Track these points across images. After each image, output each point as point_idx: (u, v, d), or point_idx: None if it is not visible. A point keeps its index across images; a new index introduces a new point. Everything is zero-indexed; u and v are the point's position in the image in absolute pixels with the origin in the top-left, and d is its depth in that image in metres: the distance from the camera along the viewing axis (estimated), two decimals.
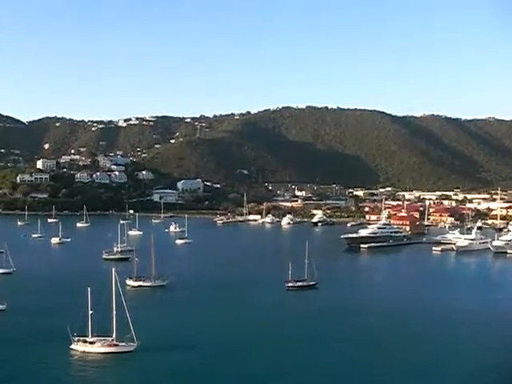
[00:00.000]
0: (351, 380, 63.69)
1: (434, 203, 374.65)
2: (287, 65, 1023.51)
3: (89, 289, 70.17)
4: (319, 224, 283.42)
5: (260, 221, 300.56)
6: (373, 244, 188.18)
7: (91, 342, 69.94)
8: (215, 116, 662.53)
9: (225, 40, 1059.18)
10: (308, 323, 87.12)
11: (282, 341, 76.89)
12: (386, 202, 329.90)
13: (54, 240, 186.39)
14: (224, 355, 70.14)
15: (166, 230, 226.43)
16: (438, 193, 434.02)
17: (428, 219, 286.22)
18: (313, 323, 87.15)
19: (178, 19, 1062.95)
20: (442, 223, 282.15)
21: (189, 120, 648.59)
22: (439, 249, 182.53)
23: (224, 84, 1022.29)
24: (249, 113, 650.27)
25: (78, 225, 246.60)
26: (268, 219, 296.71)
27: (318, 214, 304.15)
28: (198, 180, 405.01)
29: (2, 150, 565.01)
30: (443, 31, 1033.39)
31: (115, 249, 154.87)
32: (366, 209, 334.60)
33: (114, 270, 72.19)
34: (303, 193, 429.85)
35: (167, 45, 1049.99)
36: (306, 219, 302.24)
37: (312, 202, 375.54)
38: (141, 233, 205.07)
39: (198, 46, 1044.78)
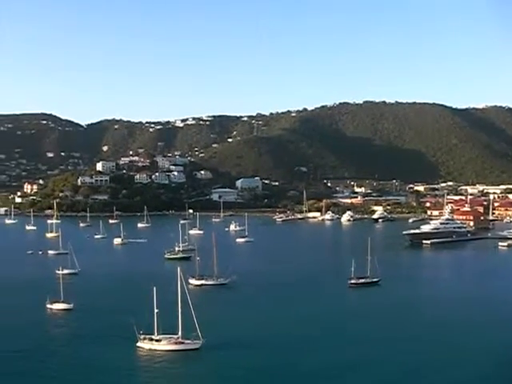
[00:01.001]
0: (421, 380, 62.24)
1: (499, 197, 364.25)
2: (343, 60, 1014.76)
3: (154, 288, 70.81)
4: (380, 220, 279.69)
5: (320, 218, 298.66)
6: (436, 240, 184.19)
7: (157, 340, 70.75)
8: (272, 114, 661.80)
9: (279, 37, 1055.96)
10: (372, 321, 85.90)
11: (346, 339, 76.01)
12: (448, 197, 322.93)
13: (117, 240, 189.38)
14: (287, 353, 69.77)
15: (226, 229, 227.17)
16: (503, 186, 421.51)
17: (493, 214, 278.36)
18: (377, 321, 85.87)
19: (235, 19, 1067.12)
20: (508, 218, 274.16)
21: (245, 118, 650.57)
22: (505, 244, 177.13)
23: (280, 81, 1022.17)
24: (305, 109, 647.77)
25: (139, 225, 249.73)
26: (328, 216, 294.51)
27: (379, 211, 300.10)
28: (257, 178, 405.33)
29: (62, 154, 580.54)
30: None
31: (177, 248, 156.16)
32: (428, 204, 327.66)
33: (179, 269, 72.65)
34: (362, 189, 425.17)
35: (222, 44, 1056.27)
36: (366, 216, 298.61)
37: (372, 198, 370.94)
38: (201, 232, 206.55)
39: (253, 44, 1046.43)
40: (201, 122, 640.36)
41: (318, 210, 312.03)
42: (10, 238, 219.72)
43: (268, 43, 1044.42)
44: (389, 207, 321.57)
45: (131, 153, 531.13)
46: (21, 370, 64.14)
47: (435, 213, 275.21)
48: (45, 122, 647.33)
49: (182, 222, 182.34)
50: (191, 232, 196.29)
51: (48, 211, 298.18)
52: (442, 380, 61.88)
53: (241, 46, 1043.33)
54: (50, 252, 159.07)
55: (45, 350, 71.49)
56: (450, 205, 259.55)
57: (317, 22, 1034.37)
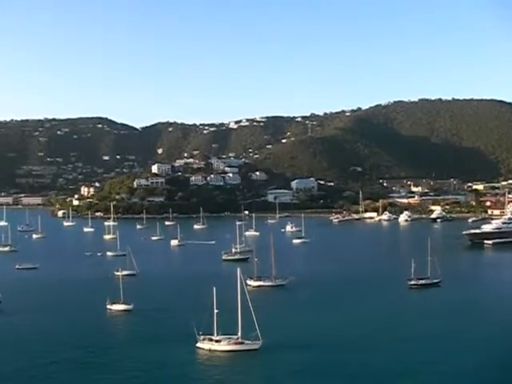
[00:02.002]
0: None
1: None
2: (397, 58, 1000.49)
3: (214, 288, 70.65)
4: (438, 220, 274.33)
5: (376, 218, 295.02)
6: (498, 240, 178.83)
7: (217, 340, 70.52)
8: (326, 114, 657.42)
9: (332, 37, 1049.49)
10: (434, 321, 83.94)
11: (408, 341, 74.35)
12: (510, 196, 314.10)
13: (173, 242, 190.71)
14: (347, 355, 68.68)
15: (282, 230, 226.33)
16: None
17: None
18: (439, 321, 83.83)
19: (290, 20, 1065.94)
20: None
21: (299, 119, 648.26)
22: None
23: (333, 81, 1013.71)
24: (360, 109, 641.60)
25: (195, 227, 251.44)
26: (385, 216, 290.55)
27: (437, 210, 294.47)
28: (312, 179, 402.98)
29: (118, 157, 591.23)
30: None
31: (233, 249, 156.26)
32: (488, 203, 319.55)
33: (238, 269, 72.23)
34: (419, 188, 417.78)
35: (275, 45, 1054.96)
36: (423, 215, 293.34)
37: (429, 197, 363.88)
38: (257, 233, 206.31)
39: (304, 45, 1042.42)
40: (254, 124, 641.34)
41: (375, 210, 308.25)
42: (69, 239, 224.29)
43: (320, 43, 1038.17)
44: (447, 207, 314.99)
45: (186, 155, 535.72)
46: (80, 371, 64.95)
47: (496, 212, 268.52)
48: (100, 125, 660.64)
49: (238, 223, 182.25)
50: (247, 233, 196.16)
51: (97, 214, 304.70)
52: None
53: (293, 47, 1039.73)
54: (108, 253, 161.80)
55: (106, 351, 72.24)
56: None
57: (370, 22, 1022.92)
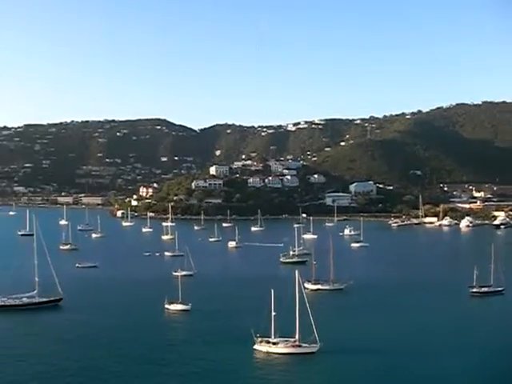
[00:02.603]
0: None
1: None
2: (458, 60, 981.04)
3: (272, 290, 70.22)
4: (502, 226, 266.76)
5: (437, 223, 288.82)
6: None
7: (274, 343, 70.16)
8: (385, 116, 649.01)
9: (390, 40, 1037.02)
10: (497, 329, 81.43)
11: (468, 346, 72.65)
12: None
13: (231, 244, 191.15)
14: (405, 360, 67.66)
15: (340, 234, 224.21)
16: None
17: None
18: (501, 331, 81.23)
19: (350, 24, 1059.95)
20: None
21: (358, 121, 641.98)
22: None
23: (393, 84, 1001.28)
24: (420, 111, 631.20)
25: (253, 229, 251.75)
26: (445, 222, 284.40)
27: (501, 216, 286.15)
28: (370, 182, 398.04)
29: (176, 158, 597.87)
30: None
31: (291, 252, 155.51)
32: None
33: (297, 272, 71.60)
34: (482, 193, 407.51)
35: (331, 48, 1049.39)
36: (486, 221, 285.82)
37: (492, 203, 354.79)
38: (315, 236, 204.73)
39: (364, 48, 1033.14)
40: (313, 126, 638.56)
41: (435, 215, 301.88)
42: (128, 239, 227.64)
43: (381, 47, 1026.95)
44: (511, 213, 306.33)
45: (243, 157, 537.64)
46: (139, 370, 65.68)
47: None
48: (159, 127, 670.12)
49: (295, 225, 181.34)
50: (305, 236, 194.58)
51: (150, 214, 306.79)
52: None
53: (353, 51, 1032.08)
54: (166, 254, 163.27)
55: (166, 349, 73.08)
56: None
57: (431, 25, 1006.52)
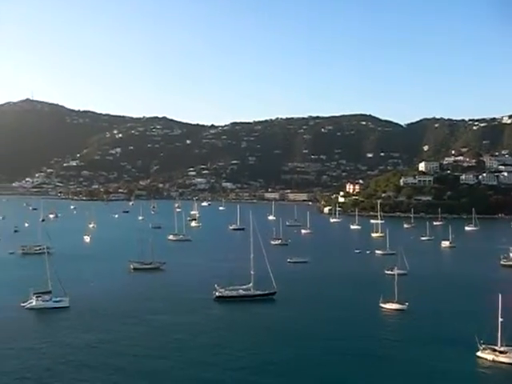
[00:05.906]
0: None
1: None
2: None
3: (500, 295, 65.61)
4: None
5: None
6: None
7: (501, 351, 65.28)
8: None
9: None
10: None
11: None
12: None
13: (444, 243, 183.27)
14: None
15: None
16: None
17: None
18: None
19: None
20: None
21: None
22: None
23: None
24: None
25: (466, 228, 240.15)
26: None
27: None
28: None
29: (382, 154, 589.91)
30: None
31: (511, 254, 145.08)
32: None
33: None
34: None
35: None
36: None
37: None
38: None
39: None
40: None
41: None
42: (336, 236, 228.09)
43: None
44: None
45: (454, 152, 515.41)
46: (355, 361, 65.50)
47: None
48: (364, 122, 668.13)
49: None
50: None
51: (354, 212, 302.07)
52: None
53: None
54: (377, 252, 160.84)
55: (382, 346, 71.88)
56: None
57: None
